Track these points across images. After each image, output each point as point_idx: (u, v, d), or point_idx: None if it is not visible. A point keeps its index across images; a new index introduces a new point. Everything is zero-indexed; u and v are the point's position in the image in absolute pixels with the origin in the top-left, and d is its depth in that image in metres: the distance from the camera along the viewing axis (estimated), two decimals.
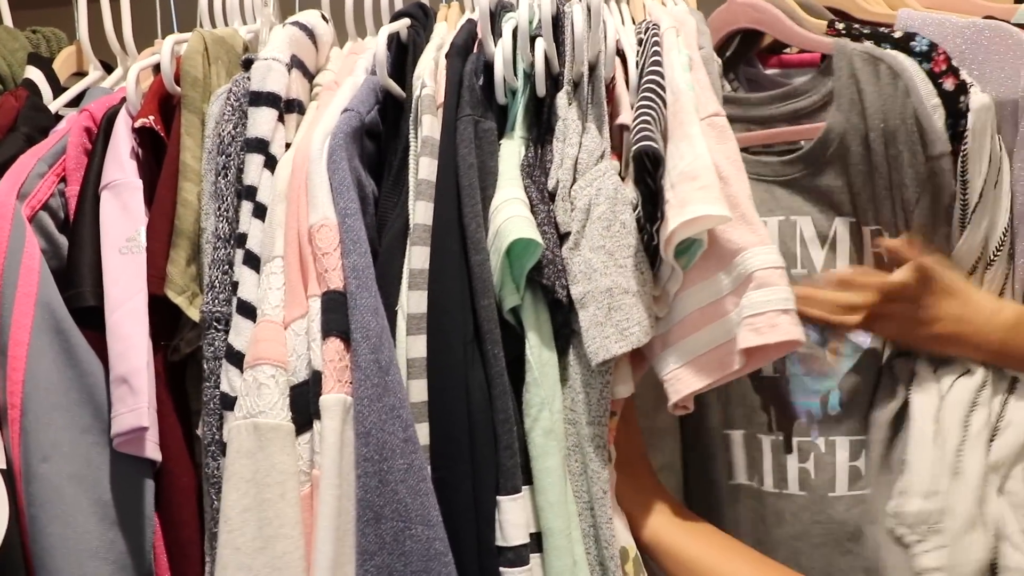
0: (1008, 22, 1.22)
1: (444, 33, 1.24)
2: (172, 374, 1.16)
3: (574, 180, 1.05)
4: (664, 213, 0.98)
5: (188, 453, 1.14)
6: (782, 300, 0.95)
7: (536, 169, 1.08)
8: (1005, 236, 1.16)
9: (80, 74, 1.54)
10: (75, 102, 1.44)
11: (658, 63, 1.06)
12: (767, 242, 0.98)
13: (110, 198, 1.18)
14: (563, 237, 1.04)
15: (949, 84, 1.16)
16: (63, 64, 1.53)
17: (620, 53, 1.14)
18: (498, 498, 1.00)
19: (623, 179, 1.06)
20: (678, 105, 1.03)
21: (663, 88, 1.04)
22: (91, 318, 1.12)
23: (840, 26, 1.29)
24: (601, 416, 1.02)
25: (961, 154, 1.13)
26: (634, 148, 0.97)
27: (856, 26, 1.29)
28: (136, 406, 1.07)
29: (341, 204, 1.04)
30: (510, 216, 1.00)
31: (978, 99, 1.13)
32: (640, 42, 1.14)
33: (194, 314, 1.13)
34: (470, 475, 1.00)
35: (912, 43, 1.20)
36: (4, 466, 1.07)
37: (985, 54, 1.19)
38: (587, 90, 1.11)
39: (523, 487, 1.01)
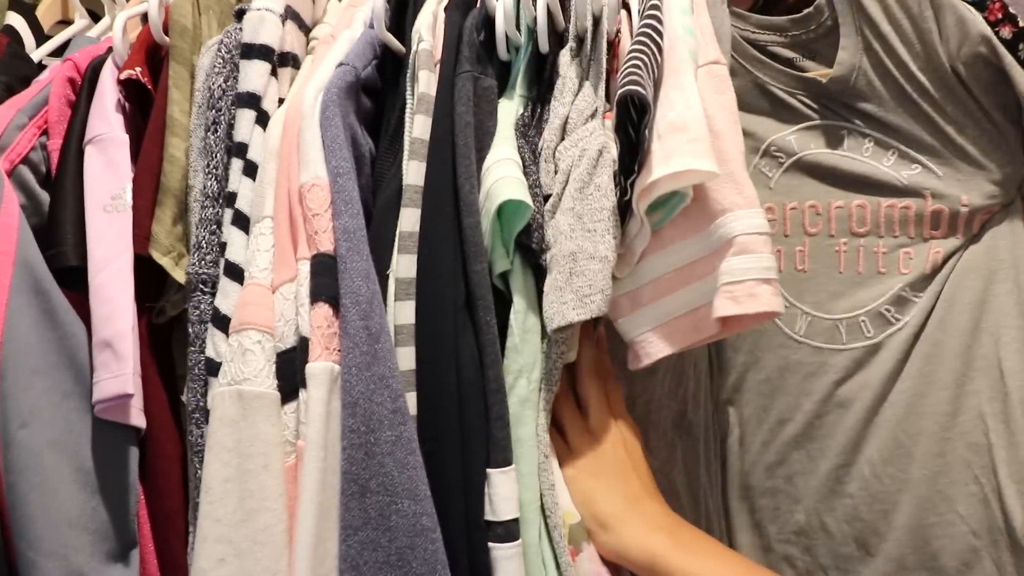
0: None
1: None
2: (157, 337, 1.12)
3: (561, 140, 1.01)
4: (645, 164, 0.93)
5: (173, 420, 1.10)
6: (763, 269, 0.91)
7: (531, 128, 1.03)
8: None
9: (65, 22, 1.48)
10: (59, 52, 1.38)
11: (656, 7, 0.99)
12: (754, 205, 0.93)
13: (95, 153, 1.13)
14: (546, 199, 1.00)
15: (1007, 32, 1.10)
16: (47, 11, 1.47)
17: (625, 5, 1.08)
18: (488, 471, 0.96)
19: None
20: (673, 51, 0.97)
21: (660, 34, 0.97)
22: (73, 279, 1.08)
23: None
24: (552, 385, 0.98)
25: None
26: (619, 92, 0.90)
27: None
28: (120, 372, 1.03)
29: (333, 163, 1.00)
30: (501, 177, 0.96)
31: None
32: None
33: (180, 276, 1.08)
34: (459, 447, 0.96)
35: None
36: None
37: None
38: (588, 45, 1.06)
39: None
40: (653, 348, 0.98)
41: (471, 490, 0.96)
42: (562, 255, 0.95)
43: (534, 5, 1.06)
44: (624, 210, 0.97)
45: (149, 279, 1.10)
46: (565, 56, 1.06)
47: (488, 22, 1.10)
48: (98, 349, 1.05)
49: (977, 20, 1.12)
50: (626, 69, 0.92)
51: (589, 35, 1.06)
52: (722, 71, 1.00)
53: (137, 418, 1.07)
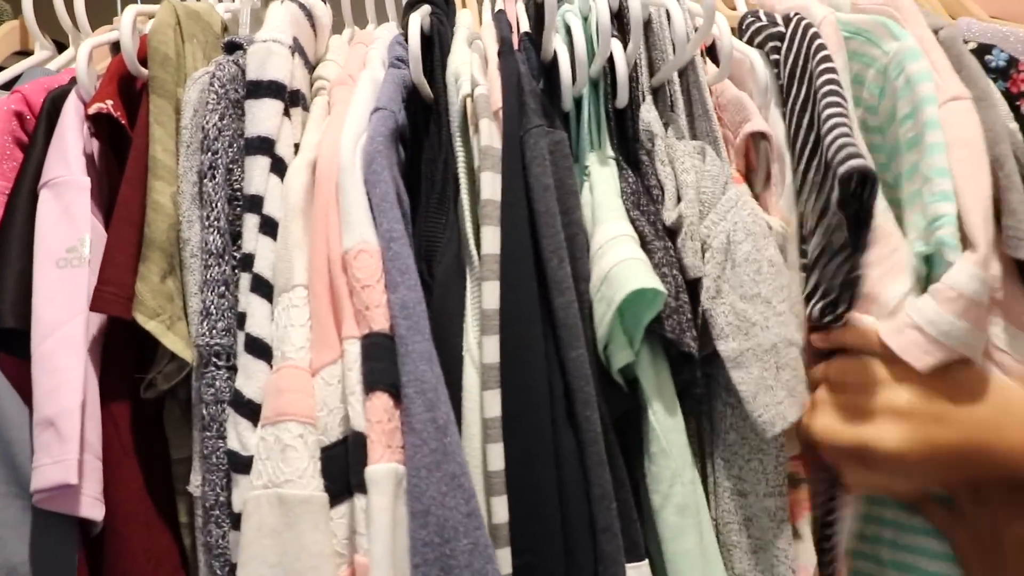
0: None
1: (470, 23, 1.07)
2: (140, 412, 0.97)
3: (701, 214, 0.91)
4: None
5: (151, 510, 0.96)
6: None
7: (643, 196, 0.93)
8: None
9: (24, 53, 1.30)
10: (10, 85, 1.18)
11: (830, 66, 0.93)
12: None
13: (49, 199, 0.97)
14: (693, 282, 0.90)
15: None
16: (3, 40, 1.28)
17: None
18: None
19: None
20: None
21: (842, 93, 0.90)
22: (13, 342, 0.94)
23: None
24: (780, 486, 0.89)
25: None
26: (843, 168, 0.83)
27: None
28: (62, 456, 0.89)
29: (385, 225, 0.87)
30: (623, 259, 0.86)
31: None
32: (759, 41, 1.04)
33: (173, 343, 0.92)
34: (563, 561, 0.84)
35: (988, 56, 1.07)
36: None
37: None
38: (680, 99, 0.98)
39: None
40: None
41: None
42: (762, 349, 0.85)
43: (609, 53, 0.96)
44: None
45: (129, 345, 0.96)
46: (650, 111, 0.97)
47: (544, 67, 1.00)
48: (39, 429, 0.89)
49: None
50: (835, 139, 0.85)
51: (677, 87, 0.98)
52: (962, 106, 0.91)
53: (90, 509, 0.91)
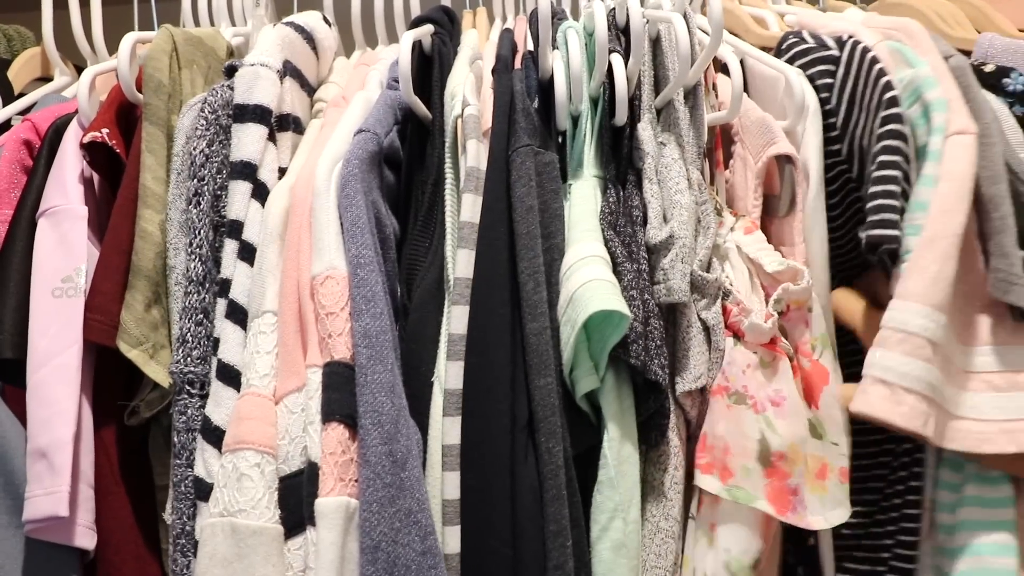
0: None
1: (475, 43, 1.04)
2: (127, 439, 0.96)
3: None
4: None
5: (140, 538, 0.95)
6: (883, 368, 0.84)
7: (620, 218, 0.88)
8: None
9: (45, 79, 1.30)
10: (30, 111, 1.19)
11: (896, 113, 0.90)
12: (919, 299, 0.84)
13: (47, 228, 0.98)
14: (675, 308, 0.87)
15: None
16: (24, 67, 1.29)
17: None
18: None
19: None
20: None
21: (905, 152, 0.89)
22: (10, 371, 0.95)
23: None
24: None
25: None
26: (867, 234, 0.87)
27: None
28: (54, 488, 0.88)
29: (354, 250, 0.84)
30: (589, 279, 0.82)
31: None
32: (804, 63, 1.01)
33: (154, 371, 0.92)
34: None
35: (1006, 79, 1.03)
36: None
37: None
38: (684, 120, 0.93)
39: None
40: None
41: None
42: None
43: (608, 70, 0.92)
44: None
45: (117, 372, 0.95)
46: (646, 130, 0.92)
47: (541, 87, 0.96)
48: (32, 459, 0.90)
49: None
50: (878, 210, 0.87)
51: (680, 106, 0.93)
52: (964, 141, 0.88)
53: (83, 539, 0.91)
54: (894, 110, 0.90)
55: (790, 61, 1.02)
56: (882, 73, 0.93)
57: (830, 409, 0.90)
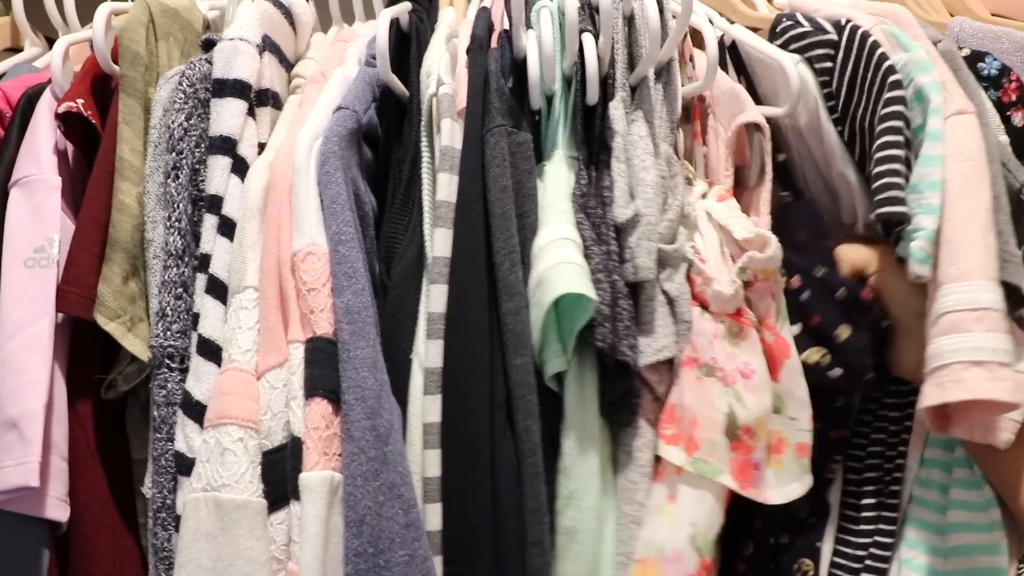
0: None
1: (452, 21, 1.04)
2: (104, 413, 0.96)
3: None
4: None
5: (115, 512, 0.95)
6: (973, 350, 0.84)
7: (592, 199, 0.89)
8: None
9: (14, 50, 1.28)
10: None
11: (899, 95, 0.93)
12: (970, 276, 0.86)
13: (19, 197, 0.98)
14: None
15: (1019, 119, 1.01)
16: None
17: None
18: None
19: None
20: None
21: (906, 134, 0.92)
22: None
23: None
24: None
25: None
26: (878, 212, 0.89)
27: None
28: (25, 459, 0.88)
29: (334, 227, 0.85)
30: (557, 263, 0.83)
31: None
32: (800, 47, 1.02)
33: (132, 344, 0.92)
34: (492, 573, 0.82)
35: (980, 64, 1.05)
36: None
37: None
38: (656, 98, 0.94)
39: None
40: None
41: None
42: None
43: (579, 48, 0.93)
44: None
45: (95, 345, 0.94)
46: (617, 109, 0.93)
47: (516, 66, 0.96)
48: (3, 429, 0.90)
49: None
50: (882, 179, 0.89)
51: (651, 83, 0.94)
52: (966, 120, 0.91)
53: (55, 511, 0.91)
54: (897, 92, 0.92)
55: (785, 44, 1.04)
56: (884, 57, 0.95)
57: (791, 384, 0.91)
